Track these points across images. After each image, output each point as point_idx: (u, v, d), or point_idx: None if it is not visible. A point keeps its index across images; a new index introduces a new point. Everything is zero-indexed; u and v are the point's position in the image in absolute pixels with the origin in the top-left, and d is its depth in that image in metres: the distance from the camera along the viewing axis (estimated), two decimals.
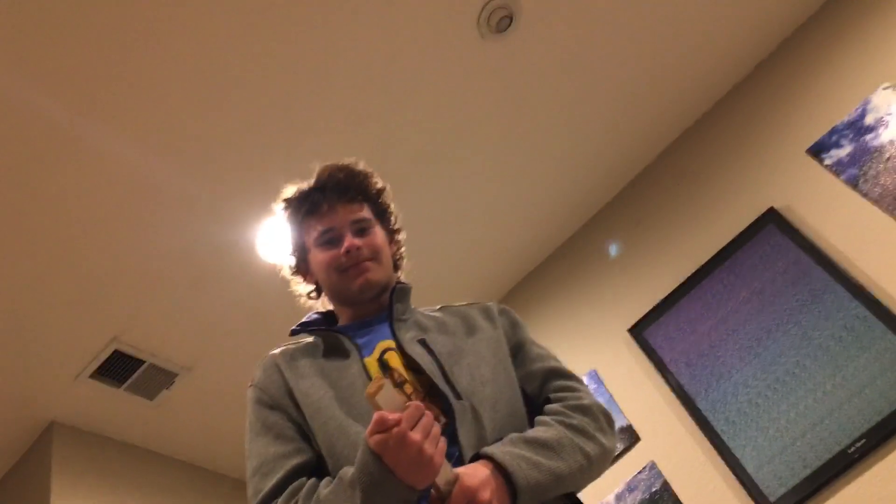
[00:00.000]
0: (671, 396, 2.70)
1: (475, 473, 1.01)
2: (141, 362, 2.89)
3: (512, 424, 1.17)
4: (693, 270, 2.85)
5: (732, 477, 2.45)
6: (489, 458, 1.04)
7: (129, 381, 2.92)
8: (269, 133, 2.56)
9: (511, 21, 2.56)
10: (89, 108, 2.27)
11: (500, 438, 1.11)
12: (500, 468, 1.03)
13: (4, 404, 2.80)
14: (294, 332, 1.40)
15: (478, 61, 2.66)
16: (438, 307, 1.47)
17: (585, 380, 2.96)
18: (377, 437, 0.96)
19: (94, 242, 2.56)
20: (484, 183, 3.05)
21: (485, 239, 3.26)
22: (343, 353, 1.28)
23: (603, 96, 2.94)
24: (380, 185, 1.50)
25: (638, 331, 2.89)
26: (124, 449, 3.10)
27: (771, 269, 2.65)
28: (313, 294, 1.46)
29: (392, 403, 0.97)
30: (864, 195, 2.52)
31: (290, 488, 1.11)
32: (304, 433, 1.20)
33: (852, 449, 2.25)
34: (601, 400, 2.80)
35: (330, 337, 1.33)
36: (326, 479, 1.09)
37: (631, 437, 2.74)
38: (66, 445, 2.87)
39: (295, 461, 1.16)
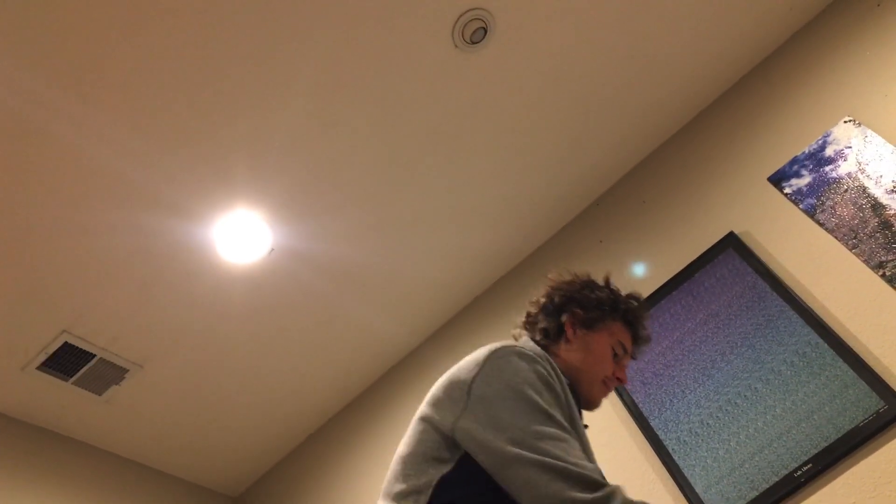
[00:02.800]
0: (625, 414, 2.72)
1: None
2: (91, 356, 2.83)
3: None
4: (652, 290, 2.88)
5: (681, 496, 2.46)
6: None
7: (78, 374, 2.85)
8: (232, 131, 2.53)
9: (486, 32, 2.57)
10: (42, 96, 2.22)
11: None
12: None
13: None
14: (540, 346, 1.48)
15: (451, 72, 2.66)
16: None
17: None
18: None
19: (48, 231, 2.50)
20: (453, 191, 3.06)
21: (454, 245, 3.26)
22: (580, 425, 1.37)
23: (571, 113, 2.97)
24: None
25: None
26: (69, 444, 3.03)
27: (728, 292, 2.69)
28: (546, 328, 1.53)
29: None
30: (821, 225, 2.58)
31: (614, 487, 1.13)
32: None
33: (799, 472, 2.28)
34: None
35: (575, 402, 1.38)
36: None
37: None
38: (8, 438, 2.80)
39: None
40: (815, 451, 2.28)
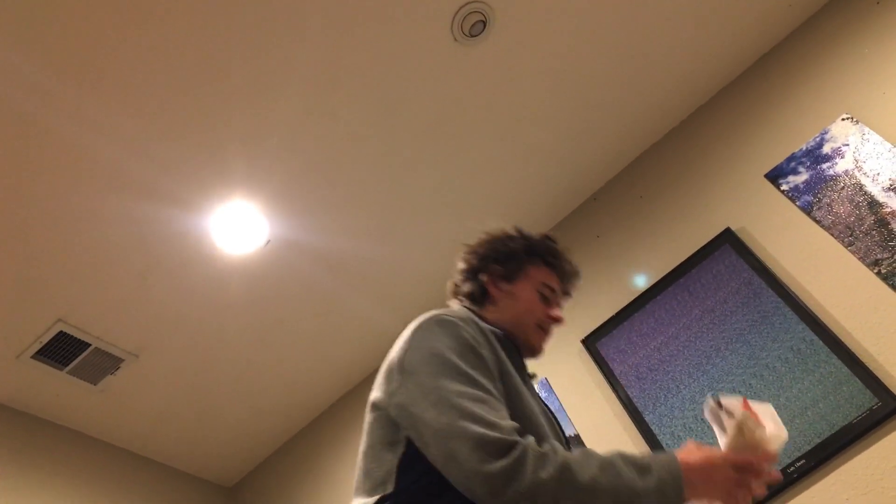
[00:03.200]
0: (620, 408, 2.73)
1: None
2: (86, 345, 2.83)
3: None
4: (649, 286, 2.88)
5: None
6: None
7: (73, 363, 2.85)
8: (229, 122, 2.52)
9: (485, 25, 2.57)
10: (40, 86, 2.21)
11: None
12: None
13: None
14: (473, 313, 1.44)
15: (450, 65, 2.66)
16: None
17: (536, 388, 2.97)
18: (734, 459, 1.12)
19: (44, 220, 2.49)
20: (451, 184, 3.05)
21: (451, 237, 3.25)
22: (522, 376, 1.37)
23: (569, 107, 2.97)
24: None
25: (591, 342, 2.91)
26: (64, 433, 3.03)
27: (724, 288, 2.69)
28: (471, 292, 1.52)
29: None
30: (818, 222, 2.58)
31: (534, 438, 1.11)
32: None
33: (792, 468, 2.29)
34: (552, 408, 2.84)
35: (513, 354, 1.39)
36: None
37: (578, 446, 2.76)
38: (2, 427, 2.79)
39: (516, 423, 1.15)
40: (809, 448, 2.29)
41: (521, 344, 1.47)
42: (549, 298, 1.52)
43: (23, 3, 2.04)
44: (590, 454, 1.10)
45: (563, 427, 1.51)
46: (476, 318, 1.34)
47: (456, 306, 1.52)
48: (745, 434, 1.14)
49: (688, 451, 1.14)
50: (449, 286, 1.59)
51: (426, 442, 1.11)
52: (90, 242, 2.60)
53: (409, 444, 1.15)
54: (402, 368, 1.22)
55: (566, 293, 1.62)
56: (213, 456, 3.58)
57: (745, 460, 1.14)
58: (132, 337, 2.92)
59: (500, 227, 1.62)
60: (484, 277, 1.52)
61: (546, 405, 1.43)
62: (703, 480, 1.11)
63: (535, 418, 1.24)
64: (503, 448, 1.05)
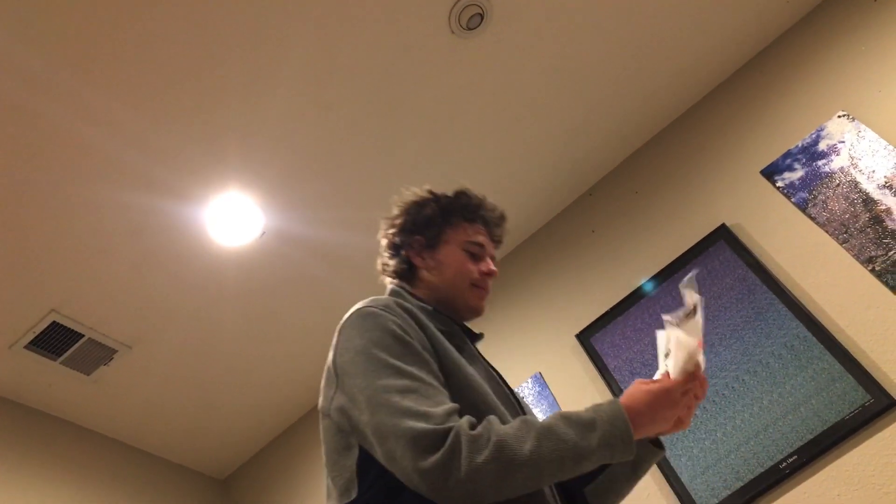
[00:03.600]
0: None
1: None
2: (80, 336, 2.81)
3: None
4: (643, 280, 2.89)
5: (667, 486, 2.48)
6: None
7: (67, 354, 2.84)
8: (225, 113, 2.51)
9: (482, 19, 2.56)
10: (34, 74, 2.19)
11: None
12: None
13: None
14: (395, 295, 1.41)
15: (447, 57, 2.65)
16: None
17: (530, 382, 2.98)
18: (678, 385, 1.13)
19: (38, 210, 2.48)
20: (446, 177, 3.03)
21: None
22: (462, 345, 1.33)
23: (566, 102, 2.96)
24: None
25: (585, 336, 2.92)
26: (56, 424, 3.02)
27: (718, 284, 2.70)
28: (398, 268, 1.49)
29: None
30: (813, 219, 2.59)
31: (469, 418, 1.08)
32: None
33: (784, 464, 2.30)
34: (545, 403, 2.85)
35: (452, 327, 1.36)
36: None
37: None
38: None
39: (454, 403, 1.12)
40: (801, 444, 2.30)
41: (460, 308, 1.44)
42: (478, 254, 1.48)
43: None
44: (529, 423, 1.07)
45: None
46: (401, 300, 1.30)
47: (388, 285, 1.49)
48: (692, 362, 1.16)
49: (632, 394, 1.14)
50: (378, 265, 1.55)
51: (371, 443, 1.09)
52: (84, 232, 2.59)
53: (361, 447, 1.14)
54: (335, 372, 1.20)
55: (496, 241, 1.56)
56: (206, 448, 3.58)
57: (688, 380, 1.15)
58: (126, 328, 2.91)
59: (413, 193, 1.56)
60: (407, 252, 1.48)
61: (493, 369, 1.40)
62: (650, 420, 1.12)
63: (479, 387, 1.20)
64: (436, 440, 1.02)
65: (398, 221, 1.52)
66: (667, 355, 1.21)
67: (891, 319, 2.32)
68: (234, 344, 3.21)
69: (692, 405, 1.18)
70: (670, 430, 1.16)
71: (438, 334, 1.25)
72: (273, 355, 3.34)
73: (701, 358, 1.17)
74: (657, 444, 1.31)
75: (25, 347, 2.75)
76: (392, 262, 1.51)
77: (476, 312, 1.46)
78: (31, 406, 2.95)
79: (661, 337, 1.23)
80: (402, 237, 1.50)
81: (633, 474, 1.35)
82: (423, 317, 1.27)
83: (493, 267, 1.48)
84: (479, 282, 1.45)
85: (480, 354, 1.42)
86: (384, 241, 1.54)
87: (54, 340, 2.78)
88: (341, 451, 1.16)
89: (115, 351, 2.93)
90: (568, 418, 1.08)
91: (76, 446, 3.04)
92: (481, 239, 1.50)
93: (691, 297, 1.21)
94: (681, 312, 1.21)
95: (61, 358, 2.84)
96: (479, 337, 1.49)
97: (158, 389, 3.20)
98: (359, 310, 1.26)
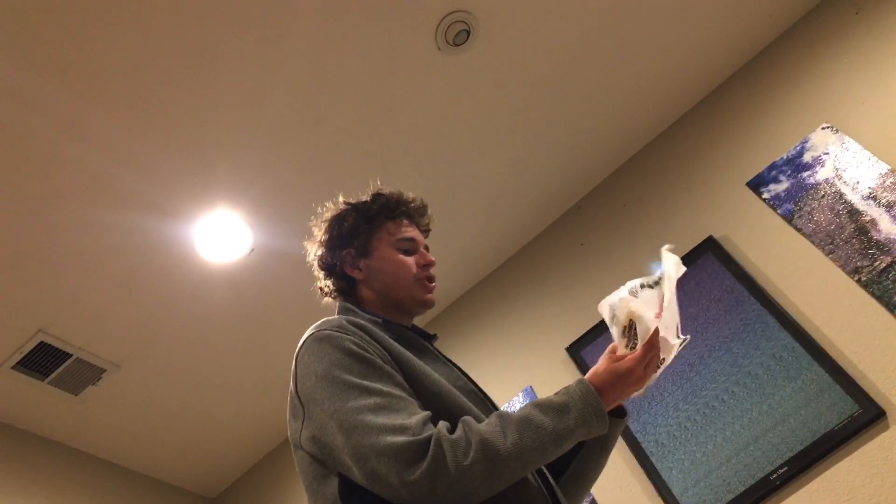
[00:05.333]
0: None
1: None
2: (67, 356, 2.80)
3: None
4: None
5: (659, 498, 2.48)
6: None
7: (54, 374, 2.82)
8: (214, 128, 2.51)
9: (469, 35, 2.57)
10: (16, 88, 2.19)
11: None
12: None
13: None
14: (346, 311, 1.40)
15: (434, 73, 2.66)
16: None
17: (521, 396, 2.97)
18: (639, 361, 1.20)
19: (24, 228, 2.47)
20: (433, 193, 3.04)
21: (434, 247, 3.24)
22: (421, 350, 1.33)
23: (553, 116, 2.98)
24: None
25: (576, 349, 2.92)
26: (45, 445, 3.00)
27: (706, 296, 2.71)
28: (338, 286, 1.47)
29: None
30: (799, 230, 2.60)
31: (444, 423, 1.08)
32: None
33: (774, 476, 2.30)
34: None
35: (404, 333, 1.35)
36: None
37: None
38: None
39: (426, 411, 1.11)
40: (791, 455, 2.30)
41: (409, 306, 1.43)
42: (412, 249, 1.47)
43: (2, 5, 2.02)
44: (505, 417, 1.09)
45: None
46: (352, 317, 1.29)
47: (336, 305, 1.47)
48: (649, 333, 1.22)
49: (598, 374, 1.21)
50: (316, 291, 1.53)
51: (349, 467, 1.08)
52: (71, 251, 2.58)
53: (339, 473, 1.13)
54: (299, 401, 1.19)
55: (424, 230, 1.55)
56: (196, 466, 3.56)
57: (646, 351, 1.22)
58: (114, 347, 2.90)
59: (329, 208, 1.56)
60: (342, 268, 1.46)
61: (458, 368, 1.39)
62: (617, 393, 1.20)
63: (448, 391, 1.20)
64: (418, 450, 1.02)
65: (324, 239, 1.51)
66: (613, 321, 1.29)
67: (877, 330, 2.34)
68: (223, 361, 3.19)
69: (651, 372, 1.25)
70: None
71: (395, 344, 1.25)
72: (263, 372, 3.33)
73: (660, 326, 1.23)
74: (620, 415, 1.38)
75: (13, 368, 2.73)
76: (329, 282, 1.49)
77: (426, 305, 1.45)
78: (18, 427, 2.93)
79: (604, 306, 1.32)
80: (333, 254, 1.48)
81: (602, 449, 1.40)
82: (376, 330, 1.27)
83: (430, 257, 1.48)
84: (421, 274, 1.45)
85: (441, 354, 1.40)
86: (315, 264, 1.52)
87: (42, 361, 2.76)
88: (320, 480, 1.15)
89: (103, 370, 2.91)
90: (541, 405, 1.12)
91: (65, 467, 3.02)
92: (410, 233, 1.49)
93: (668, 265, 1.26)
94: (643, 281, 1.29)
95: (49, 378, 2.82)
96: (433, 338, 1.48)
97: (148, 408, 3.18)
98: (312, 335, 1.24)
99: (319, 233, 1.53)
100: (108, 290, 2.73)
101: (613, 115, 3.08)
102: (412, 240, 1.48)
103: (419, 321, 1.54)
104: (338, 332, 1.21)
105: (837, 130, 2.68)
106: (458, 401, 1.19)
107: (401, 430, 1.04)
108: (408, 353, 1.24)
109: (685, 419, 2.54)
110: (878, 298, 2.35)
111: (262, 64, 2.42)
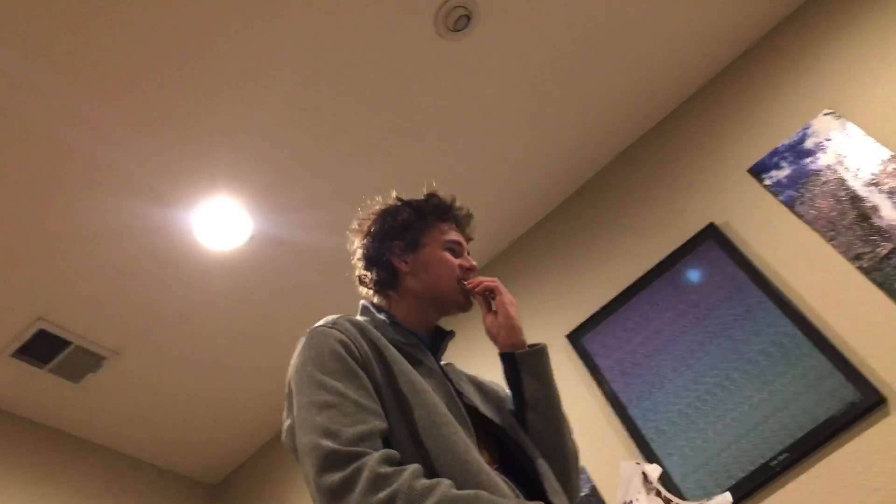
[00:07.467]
0: (604, 403, 2.74)
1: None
2: (67, 343, 2.80)
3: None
4: (633, 280, 2.89)
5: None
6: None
7: (54, 362, 2.82)
8: (212, 116, 2.50)
9: (469, 20, 2.55)
10: (13, 74, 2.17)
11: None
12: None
13: None
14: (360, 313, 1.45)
15: (434, 58, 2.65)
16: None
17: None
18: None
19: (22, 217, 2.46)
20: (435, 179, 3.03)
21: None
22: (417, 361, 1.33)
23: (554, 101, 2.97)
24: None
25: (576, 337, 2.92)
26: (46, 433, 3.00)
27: (707, 283, 2.70)
28: (380, 276, 1.48)
29: None
30: (800, 216, 2.59)
31: (387, 453, 1.06)
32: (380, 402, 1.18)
33: (774, 462, 2.30)
34: None
35: (412, 339, 1.37)
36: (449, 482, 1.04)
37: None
38: None
39: (379, 423, 1.11)
40: (791, 441, 2.30)
41: (448, 305, 1.46)
42: (458, 251, 1.51)
43: None
44: (441, 491, 1.00)
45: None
46: (348, 318, 1.30)
47: (363, 304, 1.50)
48: None
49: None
50: (355, 278, 1.55)
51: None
52: (70, 239, 2.58)
53: None
54: (287, 394, 1.24)
55: (469, 238, 1.60)
56: (197, 453, 3.56)
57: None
58: (114, 335, 2.90)
59: (381, 202, 1.59)
60: (390, 258, 1.48)
61: (452, 384, 1.34)
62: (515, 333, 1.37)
63: (434, 403, 1.19)
64: (337, 461, 1.02)
65: (373, 230, 1.53)
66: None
67: (878, 316, 2.33)
68: (223, 348, 3.19)
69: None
70: None
71: (391, 347, 1.26)
72: (263, 359, 3.33)
73: None
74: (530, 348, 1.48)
75: (12, 356, 2.73)
76: (374, 273, 1.50)
77: (463, 308, 1.49)
78: (18, 415, 2.93)
79: (625, 480, 1.25)
80: (381, 245, 1.50)
81: (540, 381, 1.49)
82: (372, 329, 1.29)
83: (473, 262, 1.52)
84: (464, 277, 1.48)
85: (442, 369, 1.39)
86: (359, 252, 1.54)
87: (42, 348, 2.76)
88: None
89: (103, 358, 2.91)
90: (488, 499, 1.03)
91: (65, 454, 3.02)
92: (457, 237, 1.53)
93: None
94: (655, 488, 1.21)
95: (49, 366, 2.82)
96: (449, 335, 1.50)
97: (148, 395, 3.18)
98: (311, 330, 1.28)
99: (367, 223, 1.55)
100: (108, 278, 2.73)
101: (614, 101, 3.06)
102: (459, 243, 1.52)
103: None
104: (331, 328, 1.25)
105: (840, 116, 2.67)
106: (437, 409, 1.18)
107: (333, 434, 1.05)
108: (400, 357, 1.26)
109: (685, 406, 2.54)
110: (880, 285, 2.35)
111: (261, 51, 2.40)
